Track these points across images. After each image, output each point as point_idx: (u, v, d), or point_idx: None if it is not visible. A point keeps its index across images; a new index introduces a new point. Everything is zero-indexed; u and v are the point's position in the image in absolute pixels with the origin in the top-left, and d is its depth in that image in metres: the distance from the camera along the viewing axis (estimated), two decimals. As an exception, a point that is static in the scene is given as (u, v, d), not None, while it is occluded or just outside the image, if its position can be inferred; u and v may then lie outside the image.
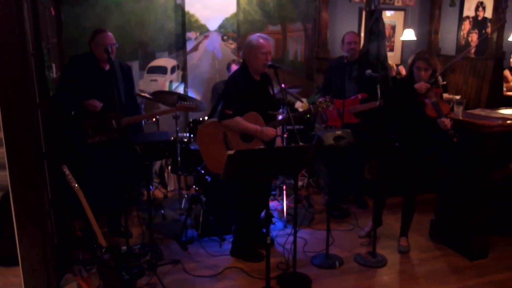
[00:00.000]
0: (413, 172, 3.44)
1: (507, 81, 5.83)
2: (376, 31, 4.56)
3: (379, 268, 3.33)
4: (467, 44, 5.78)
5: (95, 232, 2.69)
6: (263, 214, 3.53)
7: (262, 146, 3.19)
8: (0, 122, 2.12)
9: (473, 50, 5.58)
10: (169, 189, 4.82)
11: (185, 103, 3.78)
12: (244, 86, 3.19)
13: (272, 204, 4.44)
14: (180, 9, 5.09)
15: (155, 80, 5.19)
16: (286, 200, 4.22)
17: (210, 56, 5.29)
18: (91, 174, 3.41)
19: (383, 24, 4.63)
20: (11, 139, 2.15)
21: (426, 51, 3.41)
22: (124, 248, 3.18)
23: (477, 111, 3.69)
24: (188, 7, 5.08)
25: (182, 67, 5.26)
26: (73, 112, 3.36)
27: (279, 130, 3.76)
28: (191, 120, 4.34)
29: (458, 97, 5.28)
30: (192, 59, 5.23)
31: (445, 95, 3.65)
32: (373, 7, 4.67)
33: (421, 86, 3.23)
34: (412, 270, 3.32)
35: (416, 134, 3.35)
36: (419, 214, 3.77)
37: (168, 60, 5.20)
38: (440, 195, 3.75)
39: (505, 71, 5.70)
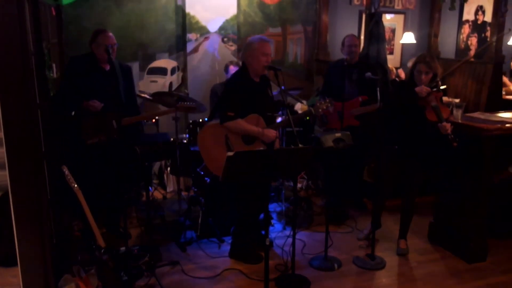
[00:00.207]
0: (412, 173, 3.44)
1: (506, 85, 5.84)
2: (376, 34, 4.58)
3: (377, 271, 3.33)
4: (467, 47, 5.79)
5: (94, 233, 2.69)
6: (262, 215, 3.53)
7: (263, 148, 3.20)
8: (0, 122, 2.12)
9: (472, 54, 5.59)
10: (168, 190, 4.82)
11: (186, 103, 3.78)
12: (245, 88, 3.20)
13: (271, 206, 4.44)
14: (180, 11, 5.10)
15: (155, 81, 5.20)
16: (285, 202, 4.23)
17: (210, 58, 5.30)
18: (91, 174, 3.41)
19: (383, 27, 4.65)
20: (11, 139, 2.15)
21: (427, 54, 3.41)
22: (123, 249, 3.18)
23: (476, 115, 3.70)
24: (189, 9, 5.09)
25: (182, 68, 5.26)
26: (73, 113, 3.36)
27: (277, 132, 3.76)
28: (190, 121, 4.34)
29: (457, 100, 5.29)
30: (192, 60, 5.24)
31: (445, 98, 3.65)
32: (373, 10, 4.69)
33: (421, 89, 3.23)
34: (411, 272, 3.33)
35: (416, 136, 3.35)
36: (418, 217, 3.77)
37: (168, 61, 5.21)
38: (439, 197, 3.76)
39: (504, 78, 5.71)
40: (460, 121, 3.39)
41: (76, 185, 2.65)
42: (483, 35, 5.54)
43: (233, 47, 5.36)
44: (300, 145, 2.75)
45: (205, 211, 3.77)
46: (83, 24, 4.70)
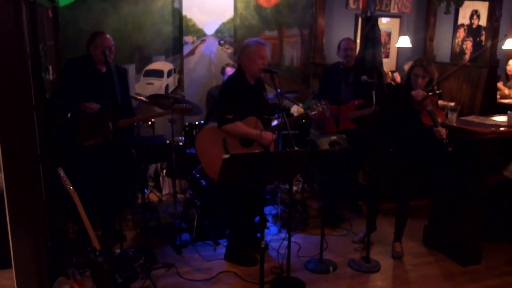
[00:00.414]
0: (408, 177, 3.46)
1: (500, 90, 5.88)
2: (372, 37, 4.60)
3: (372, 274, 3.33)
4: (462, 51, 5.84)
5: (89, 235, 2.68)
6: (257, 218, 3.54)
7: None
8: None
9: (467, 58, 5.63)
10: (163, 192, 4.81)
11: (182, 105, 3.78)
12: (241, 90, 3.20)
13: (267, 208, 4.44)
14: (177, 13, 5.11)
15: (152, 84, 5.20)
16: (281, 204, 4.23)
17: (207, 61, 5.31)
18: (86, 176, 3.40)
19: (379, 30, 4.67)
20: (7, 141, 2.15)
21: (424, 58, 3.42)
22: (118, 251, 3.18)
23: (471, 118, 3.72)
24: (186, 12, 5.10)
25: (179, 71, 5.27)
26: (69, 114, 3.36)
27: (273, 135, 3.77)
28: (186, 124, 4.34)
29: (452, 104, 5.32)
30: (189, 63, 5.24)
31: (440, 102, 3.67)
32: (369, 14, 4.71)
33: (418, 93, 3.24)
34: (406, 275, 3.34)
35: (411, 140, 3.37)
36: (413, 220, 3.79)
37: (165, 63, 5.21)
38: (433, 201, 3.77)
39: (498, 83, 5.74)
40: (455, 124, 3.41)
41: (71, 187, 2.64)
42: (478, 39, 5.59)
43: (230, 50, 5.37)
44: (296, 148, 2.76)
45: (201, 214, 3.77)
46: (80, 26, 4.70)
